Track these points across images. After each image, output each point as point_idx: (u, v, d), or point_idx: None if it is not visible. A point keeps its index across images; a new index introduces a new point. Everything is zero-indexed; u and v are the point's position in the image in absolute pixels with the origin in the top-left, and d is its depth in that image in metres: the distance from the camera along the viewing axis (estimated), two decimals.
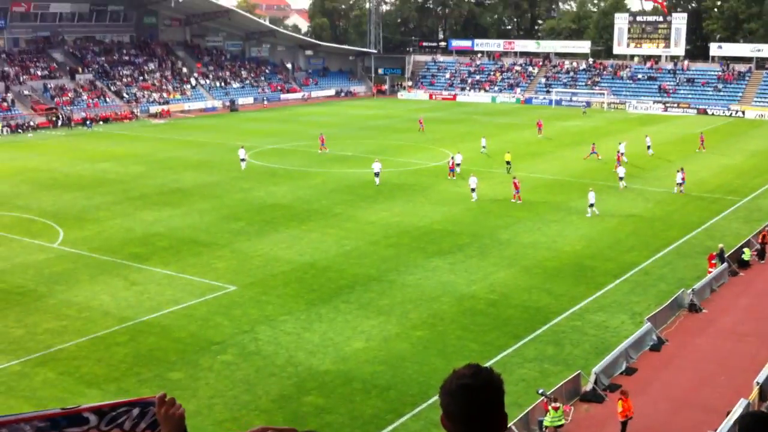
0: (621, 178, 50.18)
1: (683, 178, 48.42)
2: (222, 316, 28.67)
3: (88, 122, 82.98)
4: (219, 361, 24.86)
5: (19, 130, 79.34)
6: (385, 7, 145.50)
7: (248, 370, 24.22)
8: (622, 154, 57.05)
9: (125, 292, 31.35)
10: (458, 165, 54.07)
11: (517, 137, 72.72)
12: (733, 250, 34.49)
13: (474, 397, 3.29)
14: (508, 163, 55.01)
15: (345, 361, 24.95)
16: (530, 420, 20.88)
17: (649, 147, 63.02)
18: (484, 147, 63.08)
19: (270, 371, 24.17)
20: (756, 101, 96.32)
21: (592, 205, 42.91)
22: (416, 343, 26.41)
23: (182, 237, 39.18)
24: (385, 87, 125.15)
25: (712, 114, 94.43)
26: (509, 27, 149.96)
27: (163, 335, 27.05)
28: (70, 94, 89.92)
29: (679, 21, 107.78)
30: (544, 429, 20.79)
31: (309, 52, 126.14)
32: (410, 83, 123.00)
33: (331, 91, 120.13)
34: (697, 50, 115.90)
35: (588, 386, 23.01)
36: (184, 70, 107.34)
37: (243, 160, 57.07)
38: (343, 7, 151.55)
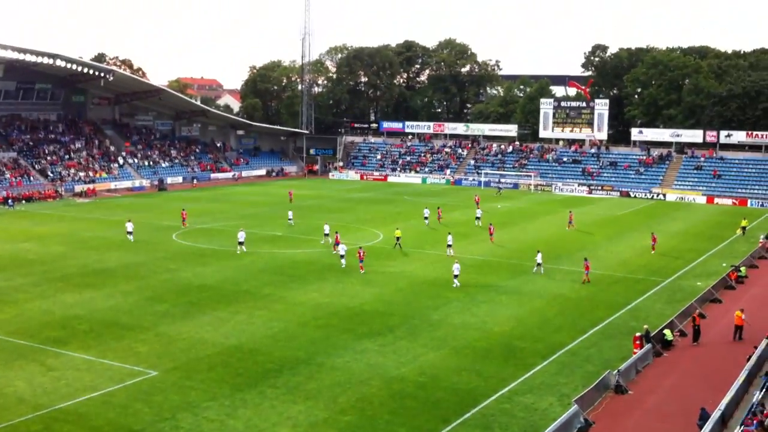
0: (449, 245, 54.83)
1: (587, 267, 47.55)
2: (142, 402, 27.61)
3: (9, 201, 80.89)
4: None
5: None
6: (317, 89, 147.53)
7: None
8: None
9: (41, 377, 30.05)
10: (327, 235, 59.37)
11: (447, 218, 73.42)
12: (656, 331, 34.99)
13: None
14: (397, 239, 57.48)
15: None
16: None
17: (478, 218, 70.09)
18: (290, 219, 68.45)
19: None
20: (676, 184, 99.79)
21: (456, 276, 45.64)
22: (344, 428, 25.80)
23: (104, 320, 37.97)
24: (317, 167, 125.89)
25: (635, 196, 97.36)
26: (439, 110, 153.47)
27: (79, 424, 25.86)
28: None
29: (602, 107, 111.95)
30: None
31: (240, 132, 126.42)
32: (341, 164, 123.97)
33: (263, 171, 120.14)
34: (620, 135, 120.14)
35: None
36: (112, 148, 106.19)
37: (130, 233, 59.69)
38: (275, 88, 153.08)
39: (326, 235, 59.65)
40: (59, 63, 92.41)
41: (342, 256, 50.88)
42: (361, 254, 49.99)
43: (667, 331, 35.19)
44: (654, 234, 59.73)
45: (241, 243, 55.62)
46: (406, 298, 42.93)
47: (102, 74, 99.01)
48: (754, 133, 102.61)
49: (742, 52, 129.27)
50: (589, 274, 47.44)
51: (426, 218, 70.15)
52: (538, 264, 49.65)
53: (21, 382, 29.53)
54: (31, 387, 29.03)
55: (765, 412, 22.24)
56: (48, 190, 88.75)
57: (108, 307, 40.38)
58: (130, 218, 63.10)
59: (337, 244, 54.21)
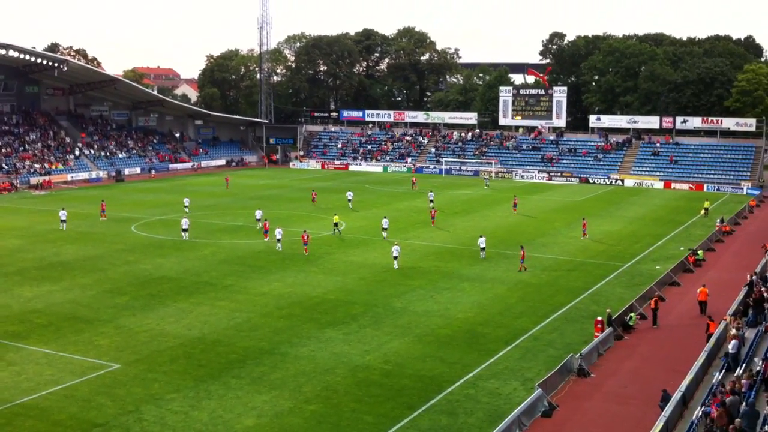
0: (384, 229, 56.25)
1: (523, 256, 47.48)
2: (104, 396, 27.27)
3: None
4: None
5: None
6: (276, 78, 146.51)
7: None
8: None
9: (1, 373, 29.52)
10: (258, 220, 60.50)
11: (409, 206, 73.63)
12: (617, 314, 35.44)
13: None
14: (335, 224, 58.38)
15: None
16: None
17: (431, 201, 71.90)
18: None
19: None
20: (634, 170, 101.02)
21: (396, 258, 47.06)
22: (309, 417, 25.75)
23: (63, 313, 37.40)
24: (277, 157, 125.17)
25: (594, 182, 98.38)
26: (399, 99, 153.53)
27: (41, 418, 25.47)
28: None
29: (560, 94, 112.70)
30: None
31: (199, 122, 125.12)
32: (302, 153, 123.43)
33: (222, 161, 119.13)
34: (578, 121, 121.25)
35: None
36: (68, 139, 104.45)
37: (63, 221, 60.18)
38: (234, 77, 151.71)
39: (258, 220, 60.71)
40: (11, 53, 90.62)
41: (278, 240, 52.42)
42: (305, 237, 51.19)
43: (632, 315, 35.71)
44: (585, 219, 60.33)
45: (185, 230, 56.19)
46: (368, 287, 42.94)
47: (56, 64, 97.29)
48: (710, 118, 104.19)
49: (696, 39, 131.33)
50: (524, 263, 47.20)
51: (349, 200, 73.34)
52: (482, 249, 50.40)
53: None
54: None
55: (725, 392, 22.63)
56: (2, 183, 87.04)
57: (67, 300, 39.78)
58: (63, 206, 64.38)
59: (266, 231, 55.47)
